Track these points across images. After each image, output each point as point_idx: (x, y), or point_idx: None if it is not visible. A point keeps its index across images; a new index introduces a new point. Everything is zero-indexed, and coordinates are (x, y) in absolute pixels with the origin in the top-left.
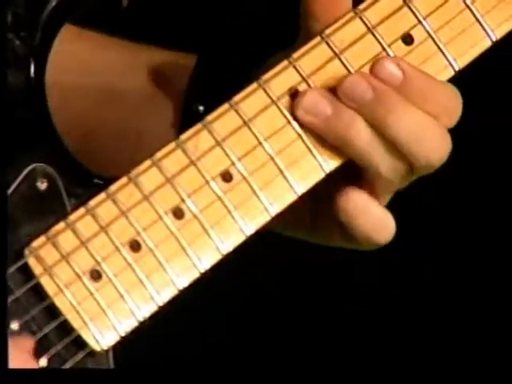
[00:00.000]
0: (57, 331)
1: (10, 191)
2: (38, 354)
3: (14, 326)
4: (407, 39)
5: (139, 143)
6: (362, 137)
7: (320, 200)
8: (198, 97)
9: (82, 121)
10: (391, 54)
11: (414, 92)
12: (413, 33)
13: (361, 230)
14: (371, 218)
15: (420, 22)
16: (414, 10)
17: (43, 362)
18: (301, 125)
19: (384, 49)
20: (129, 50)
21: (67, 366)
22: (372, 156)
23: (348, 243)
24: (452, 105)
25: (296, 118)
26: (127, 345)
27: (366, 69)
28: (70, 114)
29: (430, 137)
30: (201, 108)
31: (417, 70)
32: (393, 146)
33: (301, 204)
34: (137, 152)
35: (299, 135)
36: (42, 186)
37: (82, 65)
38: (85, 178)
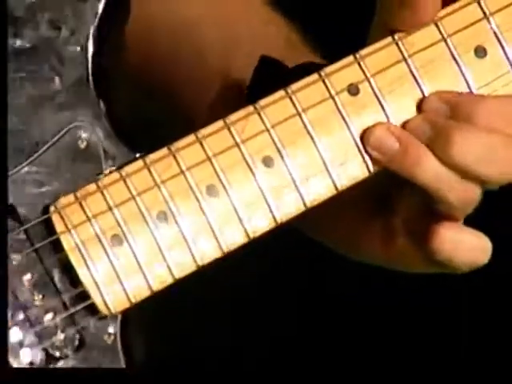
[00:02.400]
0: (66, 286)
1: (48, 144)
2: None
3: (27, 277)
4: (480, 52)
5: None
6: (429, 171)
7: (395, 233)
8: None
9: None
10: (462, 65)
11: (466, 114)
12: (486, 46)
13: (462, 262)
14: (469, 247)
15: (496, 36)
16: (494, 25)
17: (49, 316)
18: (354, 125)
19: (455, 59)
20: None
21: (66, 315)
22: (440, 189)
23: (435, 269)
24: None
25: (350, 117)
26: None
27: (431, 75)
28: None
29: (498, 154)
30: None
31: (461, 95)
32: (462, 174)
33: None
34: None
35: (351, 134)
36: (82, 144)
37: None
38: (125, 143)
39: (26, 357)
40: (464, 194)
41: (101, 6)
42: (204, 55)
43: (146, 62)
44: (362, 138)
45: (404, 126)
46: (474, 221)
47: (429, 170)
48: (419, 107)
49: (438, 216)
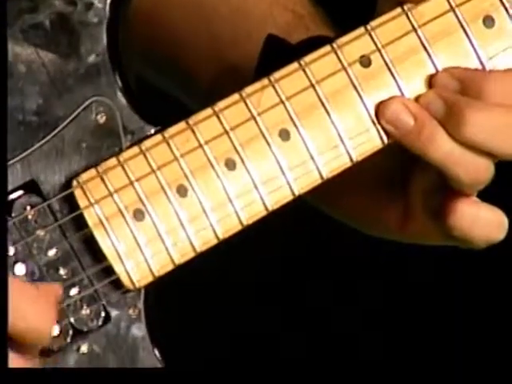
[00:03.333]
0: (91, 261)
1: (67, 121)
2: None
3: (51, 253)
4: (489, 22)
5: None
6: (441, 149)
7: (413, 208)
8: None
9: None
10: (470, 34)
11: (476, 91)
12: (494, 16)
13: (479, 237)
14: (485, 223)
15: (504, 5)
16: None
17: (74, 291)
18: (367, 97)
19: (464, 29)
20: None
21: (93, 290)
22: (452, 166)
23: (451, 243)
24: None
25: (363, 89)
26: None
27: (441, 46)
28: None
29: (510, 129)
30: None
31: (471, 71)
32: (474, 151)
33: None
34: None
35: (365, 106)
36: (101, 119)
37: None
38: (143, 117)
39: (54, 331)
40: (476, 172)
41: None
42: (214, 25)
43: (152, 31)
44: (376, 110)
45: (416, 101)
46: (491, 196)
47: (441, 147)
48: (430, 81)
49: (454, 192)
